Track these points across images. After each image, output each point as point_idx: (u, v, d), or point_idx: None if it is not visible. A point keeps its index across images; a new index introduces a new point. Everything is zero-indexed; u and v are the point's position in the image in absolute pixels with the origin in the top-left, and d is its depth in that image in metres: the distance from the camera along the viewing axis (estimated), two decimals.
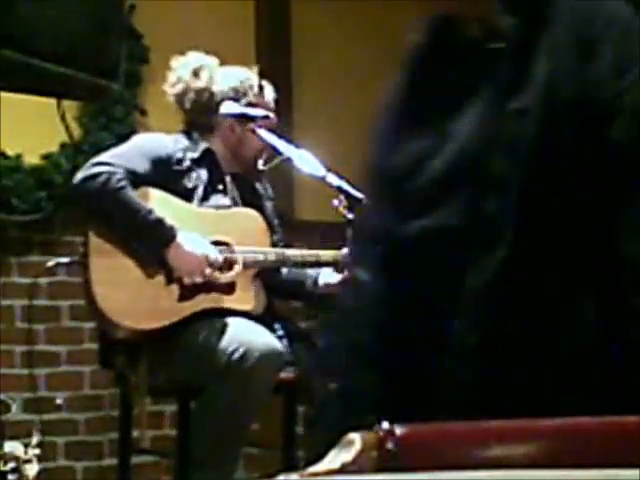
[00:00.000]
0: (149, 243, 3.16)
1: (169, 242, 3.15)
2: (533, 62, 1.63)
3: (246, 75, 3.44)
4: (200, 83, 3.39)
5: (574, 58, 1.61)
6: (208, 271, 3.20)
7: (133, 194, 3.15)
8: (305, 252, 3.37)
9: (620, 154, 1.59)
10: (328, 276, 3.43)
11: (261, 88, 3.44)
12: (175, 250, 3.16)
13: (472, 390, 1.54)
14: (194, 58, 3.44)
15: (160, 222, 3.15)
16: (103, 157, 3.20)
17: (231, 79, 3.42)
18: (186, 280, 3.18)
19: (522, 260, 1.59)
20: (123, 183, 3.13)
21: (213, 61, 3.45)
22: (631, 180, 1.59)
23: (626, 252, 1.57)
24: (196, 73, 3.40)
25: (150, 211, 3.14)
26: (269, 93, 3.47)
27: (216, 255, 3.23)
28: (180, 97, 3.40)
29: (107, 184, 3.12)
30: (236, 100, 3.39)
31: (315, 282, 3.45)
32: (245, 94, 3.40)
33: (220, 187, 3.38)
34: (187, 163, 3.32)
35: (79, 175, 3.16)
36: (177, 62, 3.44)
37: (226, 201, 3.38)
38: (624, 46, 1.62)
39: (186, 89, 3.39)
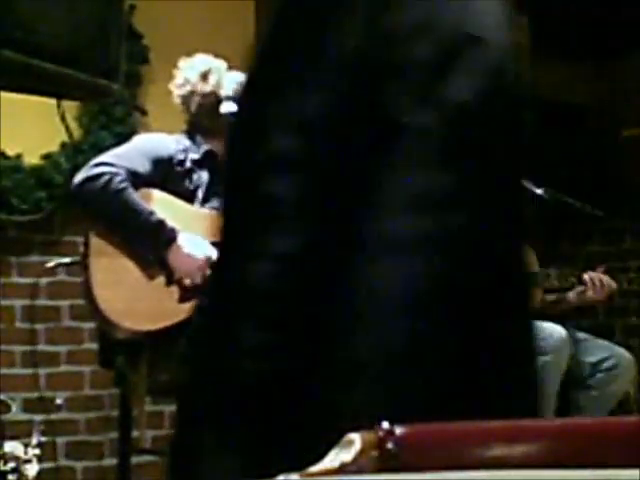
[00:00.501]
0: (150, 244, 3.16)
1: (170, 243, 3.15)
2: (328, 28, 1.49)
3: None
4: (207, 87, 3.39)
5: (373, 14, 1.47)
6: (209, 272, 3.20)
7: (134, 195, 3.15)
8: None
9: (391, 120, 1.43)
10: None
11: None
12: (176, 252, 3.16)
13: (257, 390, 1.42)
14: (202, 61, 3.43)
15: (161, 223, 3.15)
16: (104, 157, 3.20)
17: (237, 83, 3.42)
18: (186, 281, 3.18)
19: (310, 249, 1.42)
20: (124, 184, 3.13)
21: (221, 64, 3.45)
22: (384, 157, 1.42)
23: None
24: (204, 76, 3.39)
25: (151, 212, 3.15)
26: None
27: (216, 255, 3.23)
28: (186, 99, 3.40)
29: (108, 185, 3.12)
30: None
31: None
32: None
33: (221, 188, 3.38)
34: (188, 164, 3.33)
35: (80, 176, 3.16)
36: (185, 63, 3.43)
37: None
38: (432, 5, 1.49)
39: (193, 92, 3.39)
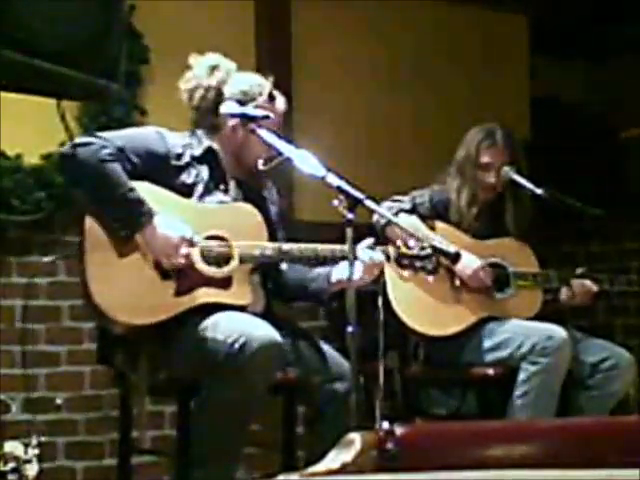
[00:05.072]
0: (126, 219, 3.16)
1: (146, 222, 3.15)
2: None
3: (258, 82, 3.44)
4: (212, 81, 3.40)
5: None
6: (184, 251, 3.19)
7: (119, 169, 3.17)
8: (302, 246, 3.36)
9: None
10: (341, 272, 3.38)
11: (272, 98, 3.43)
12: (151, 231, 3.16)
13: None
14: (212, 57, 3.45)
15: (140, 201, 3.16)
16: (101, 133, 3.24)
17: (243, 83, 3.42)
18: (164, 262, 3.17)
19: None
20: (111, 157, 3.16)
21: (231, 65, 3.46)
22: None
23: None
24: (211, 71, 3.41)
25: (132, 189, 3.16)
26: (280, 104, 3.46)
27: (192, 234, 3.22)
28: (190, 93, 3.42)
29: (96, 153, 3.15)
30: (243, 104, 3.39)
31: (328, 279, 3.43)
32: (253, 99, 3.40)
33: (222, 187, 3.39)
34: (186, 159, 3.33)
35: (73, 141, 3.19)
36: (195, 60, 3.44)
37: (226, 199, 3.38)
38: None
39: (197, 86, 3.41)
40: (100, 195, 3.18)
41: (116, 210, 3.16)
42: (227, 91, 3.40)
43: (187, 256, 3.20)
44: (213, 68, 3.42)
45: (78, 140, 3.20)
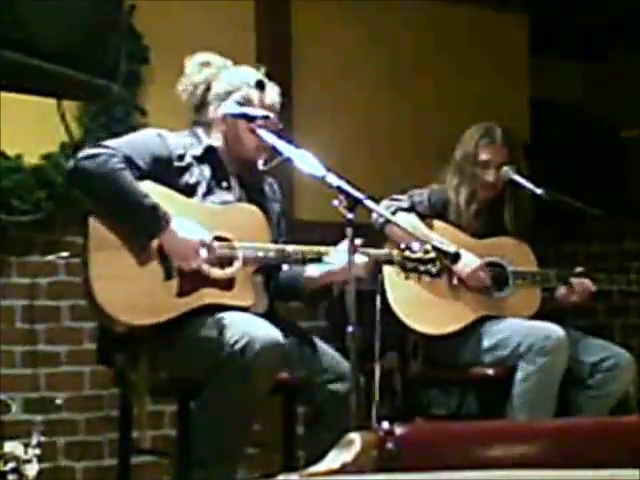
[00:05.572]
0: (143, 226, 3.16)
1: (163, 227, 3.16)
2: None
3: (247, 73, 3.44)
4: (200, 77, 3.41)
5: None
6: (204, 254, 3.19)
7: (130, 177, 3.16)
8: (305, 248, 3.36)
9: None
10: (312, 269, 3.40)
11: (262, 87, 3.42)
12: (169, 235, 3.16)
13: None
14: (203, 55, 3.46)
15: (155, 207, 3.15)
16: (105, 142, 3.24)
17: (232, 76, 3.42)
18: (183, 266, 3.17)
19: None
20: (122, 165, 3.16)
21: (224, 62, 3.46)
22: None
23: None
24: (200, 68, 3.42)
25: (146, 195, 3.16)
26: (272, 95, 3.45)
27: (210, 239, 3.22)
28: (183, 91, 3.43)
29: (106, 164, 3.14)
30: (229, 94, 3.40)
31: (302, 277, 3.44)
32: (239, 89, 3.40)
33: (224, 184, 3.39)
34: (188, 159, 3.33)
35: (79, 154, 3.18)
36: (188, 60, 3.46)
37: (230, 197, 3.38)
38: None
39: (187, 83, 3.42)
40: (115, 205, 3.17)
41: (133, 218, 3.16)
42: (216, 86, 3.40)
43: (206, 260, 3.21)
44: (203, 65, 3.43)
45: (85, 153, 3.18)
